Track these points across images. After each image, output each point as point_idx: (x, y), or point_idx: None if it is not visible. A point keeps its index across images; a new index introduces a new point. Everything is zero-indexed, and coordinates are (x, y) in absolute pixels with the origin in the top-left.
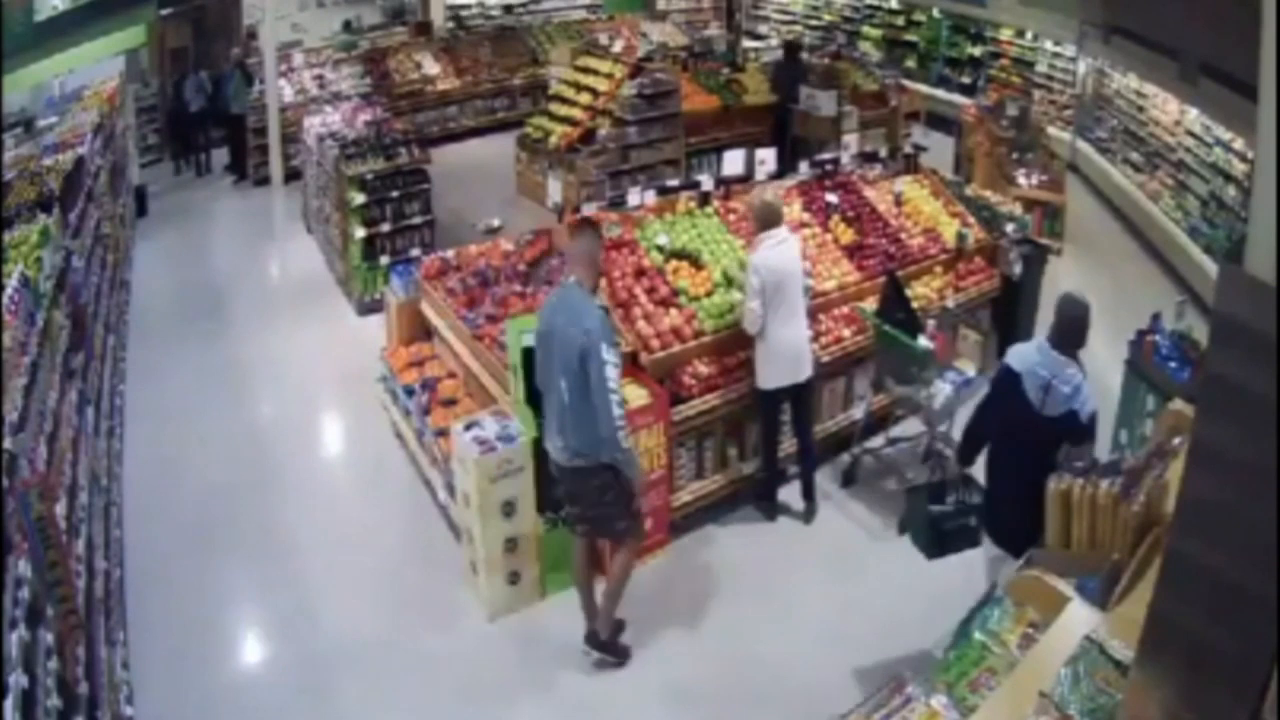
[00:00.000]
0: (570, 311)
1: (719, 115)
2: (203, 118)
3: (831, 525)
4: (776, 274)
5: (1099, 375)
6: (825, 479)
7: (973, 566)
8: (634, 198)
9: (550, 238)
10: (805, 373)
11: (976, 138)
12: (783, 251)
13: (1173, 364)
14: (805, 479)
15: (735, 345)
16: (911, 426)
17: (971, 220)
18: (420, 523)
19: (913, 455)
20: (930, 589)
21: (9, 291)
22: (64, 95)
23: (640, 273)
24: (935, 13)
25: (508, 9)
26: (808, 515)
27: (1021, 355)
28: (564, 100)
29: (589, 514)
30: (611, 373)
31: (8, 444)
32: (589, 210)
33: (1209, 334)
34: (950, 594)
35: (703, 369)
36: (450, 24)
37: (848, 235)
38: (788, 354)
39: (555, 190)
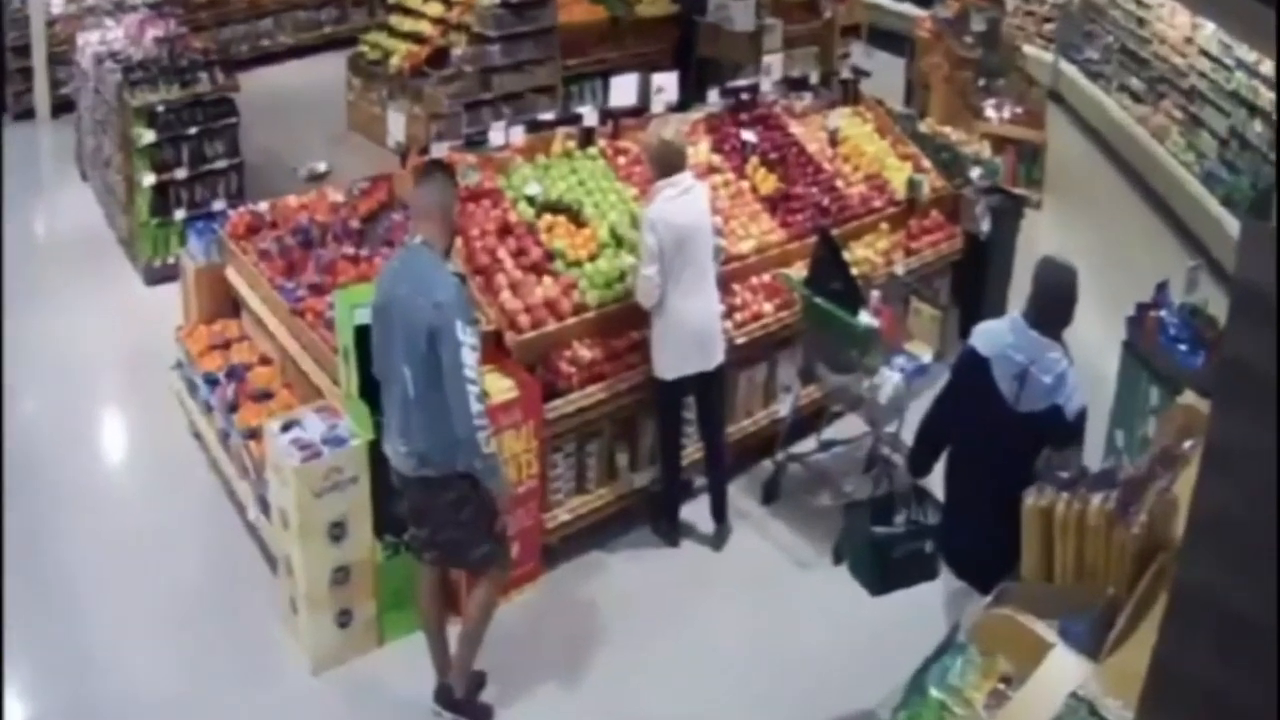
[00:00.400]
0: (417, 280)
1: (606, 30)
2: None
3: (748, 552)
4: (678, 232)
5: (1089, 361)
6: (741, 493)
7: (929, 603)
8: (497, 135)
9: (391, 186)
10: (715, 358)
11: (933, 59)
12: (687, 204)
13: (1182, 346)
14: (715, 493)
15: (626, 323)
16: (850, 426)
17: (927, 164)
18: (225, 548)
19: (852, 463)
20: (874, 633)
21: None
22: None
23: (505, 231)
24: None
25: None
26: (718, 540)
27: (991, 336)
28: (408, 11)
29: (439, 537)
30: (470, 357)
31: None
32: (440, 151)
33: (1229, 308)
34: (900, 639)
35: (584, 353)
36: None
37: (769, 183)
38: (692, 334)
39: (397, 126)
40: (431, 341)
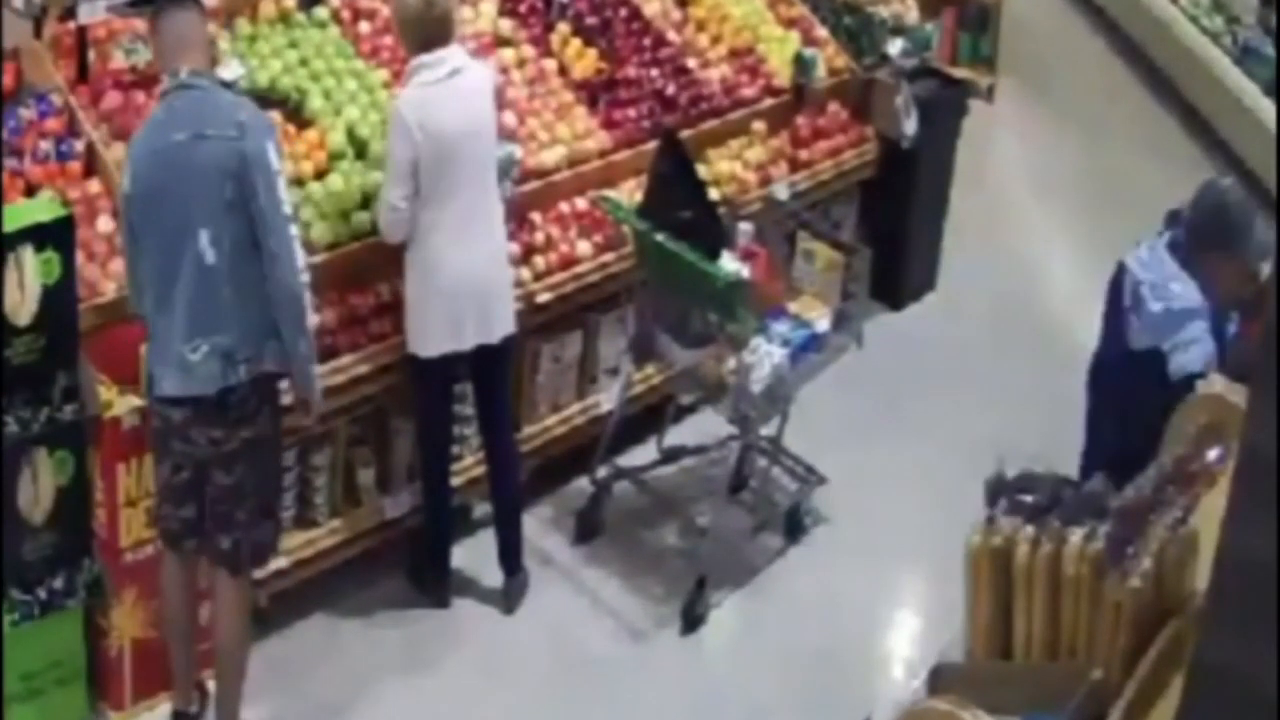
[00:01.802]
0: (199, 114)
1: None
2: None
3: (554, 617)
4: (441, 138)
5: (1067, 328)
6: (544, 527)
7: (840, 668)
8: None
9: (18, 68)
10: (500, 326)
11: None
12: (455, 94)
13: None
14: (504, 528)
15: (374, 273)
16: (708, 426)
17: (823, 33)
18: None
19: (709, 481)
20: None
21: None
22: None
23: None
24: None
25: None
26: (509, 597)
27: (1136, 248)
28: None
29: (219, 508)
30: (285, 190)
31: None
32: (93, 14)
33: (1275, 246)
34: None
35: (311, 316)
36: None
37: (587, 62)
38: (466, 293)
39: None
40: (238, 180)
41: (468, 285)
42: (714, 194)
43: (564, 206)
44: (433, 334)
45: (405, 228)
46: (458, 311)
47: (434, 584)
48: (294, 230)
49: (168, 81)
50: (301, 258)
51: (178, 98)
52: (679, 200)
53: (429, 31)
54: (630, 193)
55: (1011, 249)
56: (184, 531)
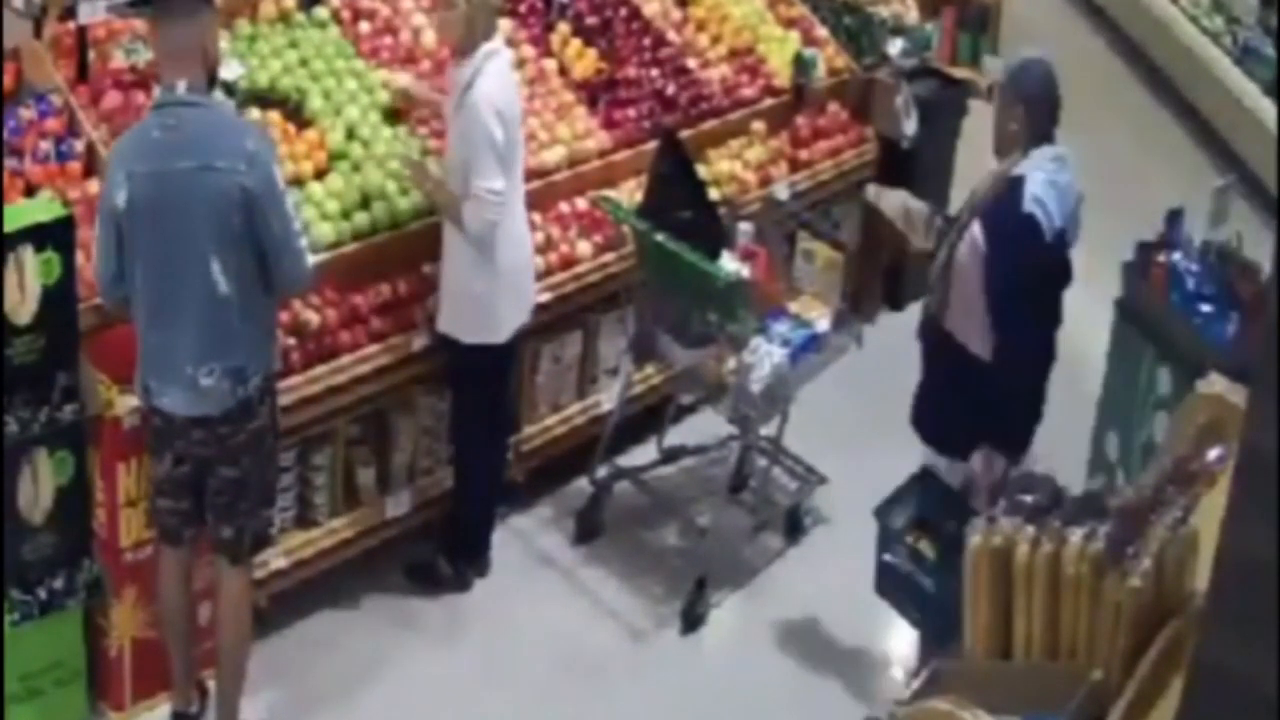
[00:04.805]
0: (205, 140)
1: None
2: None
3: (555, 616)
4: (511, 120)
5: (1066, 330)
6: (543, 528)
7: (840, 668)
8: None
9: (19, 68)
10: (532, 298)
11: None
12: (511, 76)
13: (1205, 307)
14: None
15: (374, 272)
16: (709, 426)
17: (823, 34)
18: None
19: (709, 481)
20: None
21: None
22: None
23: None
24: None
25: None
26: (459, 581)
27: None
28: None
29: (220, 499)
30: (290, 201)
31: None
32: (93, 14)
33: (1275, 247)
34: None
35: (311, 316)
36: None
37: (587, 62)
38: (525, 266)
39: None
40: (245, 212)
41: (527, 259)
42: (714, 194)
43: (564, 206)
44: (505, 316)
45: (499, 218)
46: (523, 285)
47: (470, 563)
48: (304, 242)
49: (162, 94)
50: (310, 259)
51: (175, 116)
52: (679, 200)
53: (495, 18)
54: (630, 193)
55: None
56: (182, 523)
